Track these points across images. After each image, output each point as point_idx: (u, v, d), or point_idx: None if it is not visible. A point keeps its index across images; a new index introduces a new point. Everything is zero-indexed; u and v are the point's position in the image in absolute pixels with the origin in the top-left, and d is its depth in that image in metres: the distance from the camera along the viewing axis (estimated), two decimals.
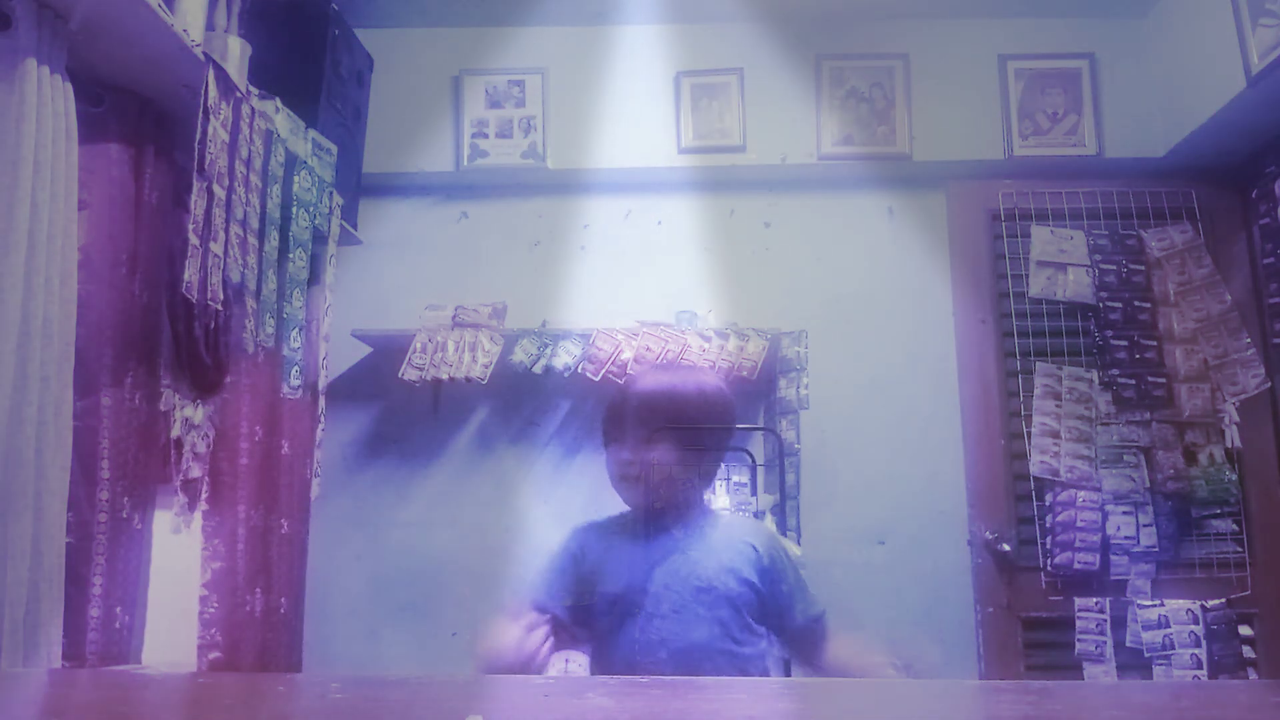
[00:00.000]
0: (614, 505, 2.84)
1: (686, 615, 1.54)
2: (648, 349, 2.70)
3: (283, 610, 2.29)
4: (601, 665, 1.62)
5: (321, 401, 2.47)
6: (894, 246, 2.99)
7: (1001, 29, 2.96)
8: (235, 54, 2.00)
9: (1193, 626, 2.62)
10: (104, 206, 1.77)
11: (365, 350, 2.92)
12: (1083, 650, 2.67)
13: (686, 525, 1.65)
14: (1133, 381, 2.81)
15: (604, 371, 2.69)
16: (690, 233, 3.00)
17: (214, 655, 2.02)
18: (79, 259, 1.64)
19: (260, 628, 2.20)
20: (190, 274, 1.75)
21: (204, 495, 2.04)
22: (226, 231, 1.87)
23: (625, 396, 1.66)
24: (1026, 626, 2.74)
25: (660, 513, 1.64)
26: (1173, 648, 2.62)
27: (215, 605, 2.04)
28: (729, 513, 1.66)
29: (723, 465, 1.99)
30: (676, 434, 1.62)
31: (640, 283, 2.94)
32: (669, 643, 1.53)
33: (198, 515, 2.03)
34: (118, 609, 1.75)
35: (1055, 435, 2.79)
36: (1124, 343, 2.83)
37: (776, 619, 1.58)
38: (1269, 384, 2.75)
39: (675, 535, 1.63)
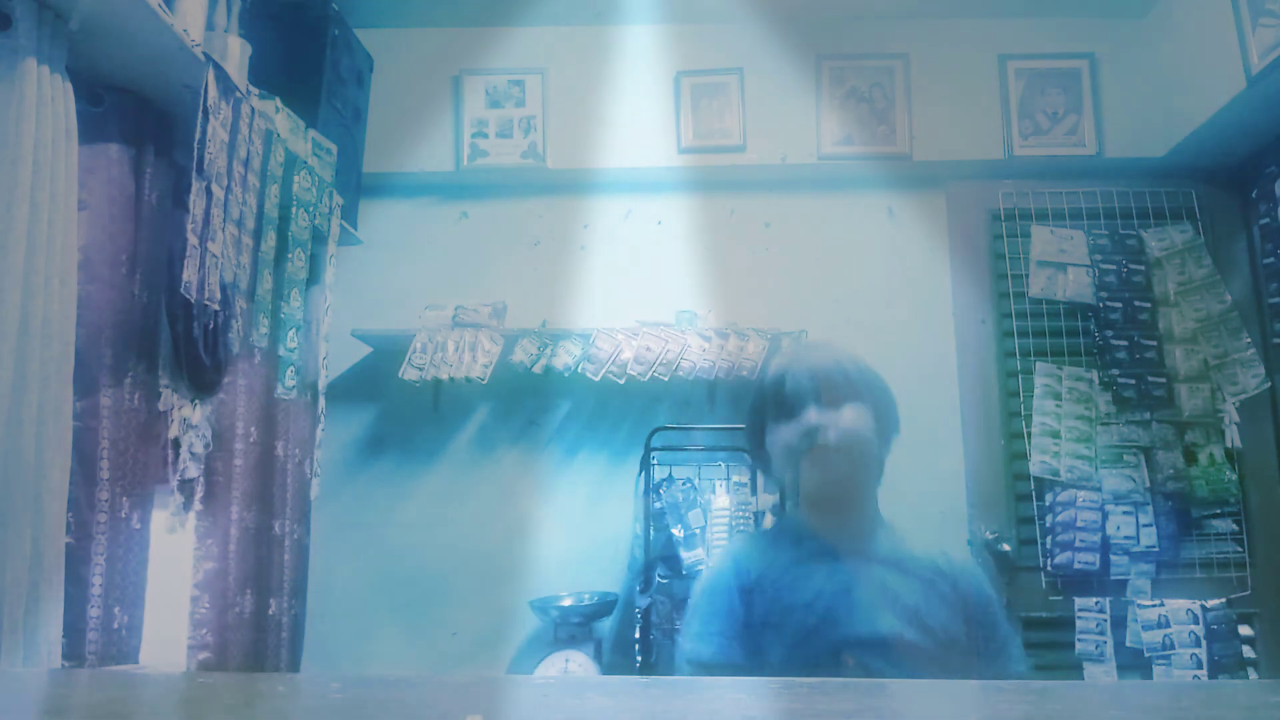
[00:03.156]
0: (614, 506, 2.85)
1: (899, 655, 1.23)
2: (648, 349, 2.70)
3: (273, 611, 2.28)
4: None
5: (321, 401, 2.47)
6: (894, 246, 2.99)
7: (1001, 29, 2.96)
8: (235, 54, 2.00)
9: (1193, 626, 2.62)
10: (104, 206, 1.77)
11: (365, 350, 2.92)
12: (1083, 650, 2.67)
13: (864, 530, 1.36)
14: (1133, 381, 2.80)
15: (604, 371, 2.69)
16: (690, 233, 3.00)
17: (203, 655, 2.01)
18: (79, 259, 1.64)
19: (252, 628, 2.19)
20: (189, 274, 1.75)
21: (198, 495, 2.04)
22: (223, 231, 1.87)
23: (793, 364, 1.38)
24: (1026, 626, 2.73)
25: (845, 502, 1.36)
26: (1173, 648, 2.61)
27: (206, 605, 2.04)
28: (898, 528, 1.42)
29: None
30: (871, 401, 1.36)
31: (640, 283, 2.94)
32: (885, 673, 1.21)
33: (192, 515, 2.03)
34: (117, 609, 1.75)
35: (1055, 435, 2.79)
36: (1124, 343, 2.83)
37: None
38: (1269, 384, 2.75)
39: (856, 540, 1.34)
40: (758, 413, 1.41)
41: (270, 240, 2.10)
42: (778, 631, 1.26)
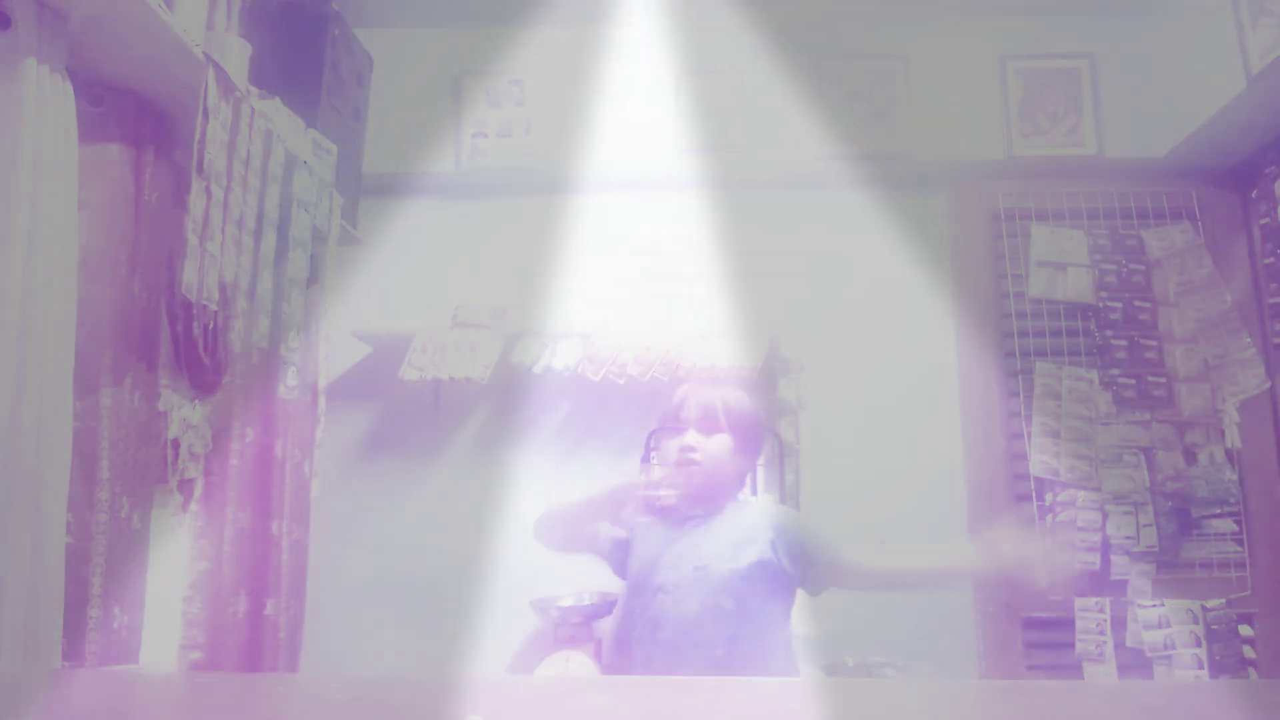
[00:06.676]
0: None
1: (681, 593, 1.73)
2: (648, 349, 2.70)
3: (270, 611, 2.28)
4: (616, 640, 1.83)
5: (321, 401, 2.47)
6: (894, 247, 2.98)
7: (1001, 29, 2.96)
8: (235, 54, 2.00)
9: (1193, 626, 2.62)
10: (104, 206, 1.77)
11: (365, 350, 2.91)
12: (1083, 650, 2.67)
13: (711, 513, 1.83)
14: (1133, 381, 2.80)
15: (604, 371, 2.69)
16: (690, 233, 2.99)
17: (195, 656, 2.01)
18: (79, 259, 1.64)
19: (246, 630, 2.18)
20: (189, 274, 1.75)
21: (197, 495, 2.04)
22: (223, 232, 1.87)
23: (690, 394, 1.87)
24: (1026, 626, 2.73)
25: (700, 499, 1.82)
26: (1173, 648, 2.61)
27: (200, 606, 2.04)
28: (751, 499, 1.91)
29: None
30: (736, 431, 1.84)
31: (639, 283, 2.94)
32: (668, 615, 1.72)
33: (189, 515, 2.03)
34: (117, 609, 1.75)
35: (1055, 435, 2.79)
36: (1124, 343, 2.83)
37: (802, 579, 1.78)
38: (1269, 384, 2.75)
39: (698, 522, 1.82)
40: (663, 420, 1.87)
41: (270, 240, 2.10)
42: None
